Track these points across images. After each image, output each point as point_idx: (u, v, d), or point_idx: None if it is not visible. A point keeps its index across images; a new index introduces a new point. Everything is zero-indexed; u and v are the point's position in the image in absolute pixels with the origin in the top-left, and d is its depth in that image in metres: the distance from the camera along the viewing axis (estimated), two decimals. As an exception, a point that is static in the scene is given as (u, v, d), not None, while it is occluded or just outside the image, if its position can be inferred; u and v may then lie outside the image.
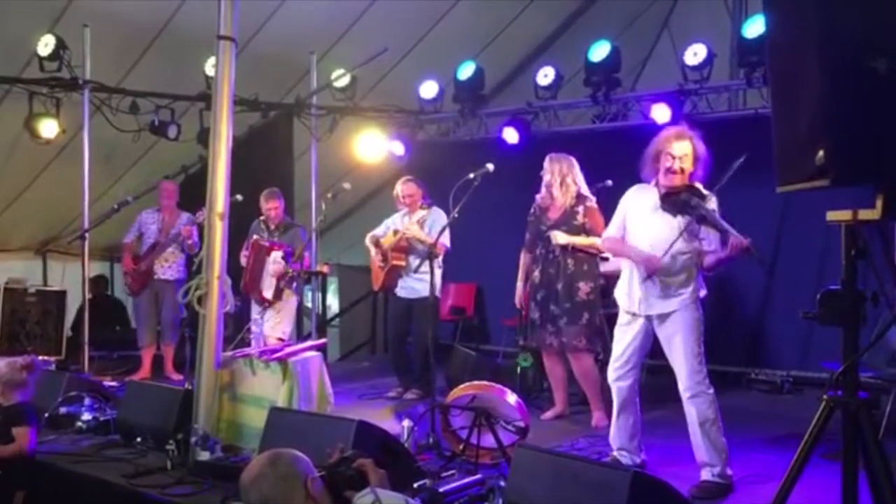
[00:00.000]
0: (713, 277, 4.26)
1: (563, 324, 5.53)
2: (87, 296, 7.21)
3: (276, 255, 6.36)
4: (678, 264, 4.17)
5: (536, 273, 5.68)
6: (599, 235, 5.37)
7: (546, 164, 5.67)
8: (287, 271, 6.33)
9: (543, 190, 5.70)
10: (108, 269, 9.70)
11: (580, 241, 5.52)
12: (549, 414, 5.77)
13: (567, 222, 5.57)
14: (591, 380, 5.64)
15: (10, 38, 6.88)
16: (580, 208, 5.57)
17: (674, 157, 4.13)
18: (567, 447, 4.89)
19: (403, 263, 6.36)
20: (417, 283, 6.29)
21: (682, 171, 4.12)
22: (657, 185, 4.24)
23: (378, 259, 6.45)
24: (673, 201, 4.07)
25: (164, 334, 7.37)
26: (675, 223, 4.09)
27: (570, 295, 5.52)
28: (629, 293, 4.33)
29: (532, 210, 5.80)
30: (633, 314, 4.31)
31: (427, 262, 5.37)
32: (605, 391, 5.85)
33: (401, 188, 6.45)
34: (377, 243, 6.50)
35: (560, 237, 5.53)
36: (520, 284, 5.85)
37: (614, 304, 4.56)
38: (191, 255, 7.07)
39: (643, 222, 4.26)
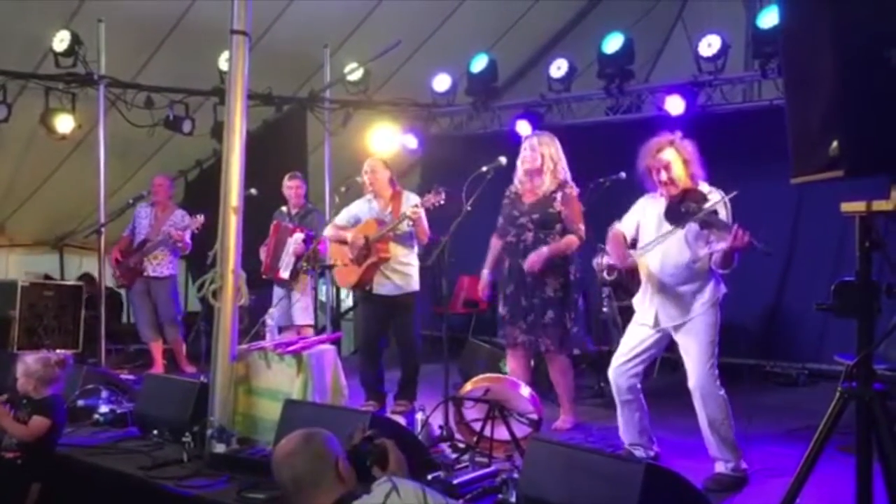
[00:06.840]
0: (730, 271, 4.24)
1: (531, 320, 5.17)
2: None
3: (298, 237, 6.51)
4: (690, 273, 4.14)
5: (507, 264, 5.30)
6: (575, 226, 5.15)
7: (534, 144, 5.22)
8: (306, 253, 6.37)
9: (523, 174, 5.24)
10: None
11: (554, 249, 5.06)
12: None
13: (542, 210, 5.17)
14: (566, 382, 5.32)
15: (26, 34, 6.95)
16: (558, 195, 5.14)
17: (659, 170, 4.14)
18: (581, 440, 4.88)
19: (389, 256, 5.59)
20: (400, 279, 5.66)
21: (673, 180, 4.12)
22: (662, 195, 4.23)
23: (359, 243, 5.58)
24: (674, 214, 4.04)
25: (166, 331, 7.34)
26: (682, 234, 4.07)
27: (540, 289, 5.14)
28: (647, 306, 4.29)
29: (507, 193, 5.39)
30: (652, 327, 4.27)
31: (410, 254, 5.21)
32: (578, 396, 5.60)
33: (369, 167, 5.78)
34: (342, 239, 5.74)
35: (535, 266, 5.05)
36: (486, 271, 5.41)
37: (629, 297, 4.54)
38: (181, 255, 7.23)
39: (653, 236, 4.24)
